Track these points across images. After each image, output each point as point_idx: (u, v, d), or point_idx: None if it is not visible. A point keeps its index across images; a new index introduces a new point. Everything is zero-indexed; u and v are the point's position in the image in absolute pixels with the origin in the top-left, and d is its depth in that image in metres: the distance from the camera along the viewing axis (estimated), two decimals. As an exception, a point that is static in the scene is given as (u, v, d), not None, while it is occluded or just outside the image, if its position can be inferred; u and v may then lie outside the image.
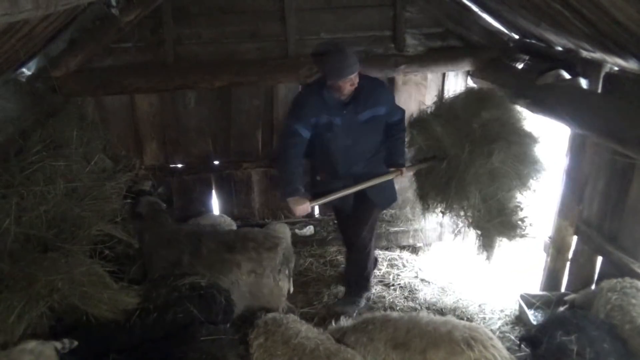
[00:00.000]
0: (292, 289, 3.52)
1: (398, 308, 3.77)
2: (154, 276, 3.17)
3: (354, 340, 2.57)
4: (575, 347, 2.41)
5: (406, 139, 3.55)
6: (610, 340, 2.49)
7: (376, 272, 4.23)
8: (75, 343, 2.30)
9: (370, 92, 3.24)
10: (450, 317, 2.76)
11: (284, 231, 3.90)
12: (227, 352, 2.53)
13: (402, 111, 3.50)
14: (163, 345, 2.58)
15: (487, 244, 3.36)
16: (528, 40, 3.80)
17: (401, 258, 4.47)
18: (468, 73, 4.41)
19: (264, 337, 2.51)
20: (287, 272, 3.30)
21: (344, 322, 2.81)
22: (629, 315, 2.56)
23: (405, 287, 4.06)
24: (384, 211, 4.82)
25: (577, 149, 3.29)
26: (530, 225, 3.23)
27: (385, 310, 3.73)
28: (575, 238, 3.44)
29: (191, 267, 3.13)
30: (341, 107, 3.22)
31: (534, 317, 3.45)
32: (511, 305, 3.85)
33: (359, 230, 3.60)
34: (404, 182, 4.78)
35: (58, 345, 2.24)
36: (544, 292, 3.60)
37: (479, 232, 3.39)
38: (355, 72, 3.09)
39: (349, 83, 3.11)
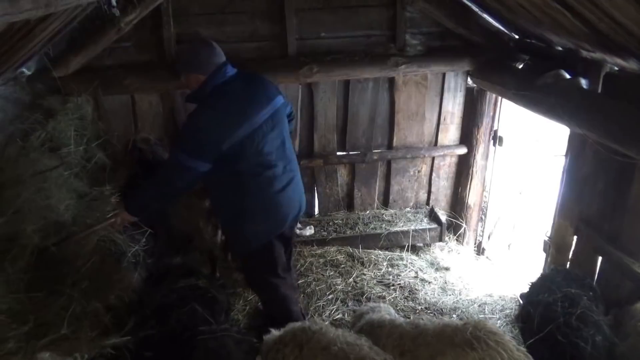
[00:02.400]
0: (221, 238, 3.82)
1: (398, 308, 3.77)
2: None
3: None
4: (560, 306, 2.69)
5: None
6: (590, 296, 2.83)
7: (376, 272, 4.23)
8: None
9: None
10: (452, 319, 2.72)
11: None
12: (231, 348, 2.51)
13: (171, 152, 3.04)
14: (165, 346, 2.57)
15: None
16: (528, 40, 3.80)
17: (401, 258, 4.47)
18: (468, 73, 4.42)
19: (299, 349, 2.35)
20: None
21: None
22: None
23: (405, 287, 4.06)
24: (384, 211, 4.83)
25: (577, 149, 3.30)
26: None
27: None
28: (575, 238, 3.44)
29: None
30: None
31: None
32: (511, 305, 3.85)
33: None
34: (404, 183, 4.80)
35: None
36: (544, 292, 3.60)
37: None
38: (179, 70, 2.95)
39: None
